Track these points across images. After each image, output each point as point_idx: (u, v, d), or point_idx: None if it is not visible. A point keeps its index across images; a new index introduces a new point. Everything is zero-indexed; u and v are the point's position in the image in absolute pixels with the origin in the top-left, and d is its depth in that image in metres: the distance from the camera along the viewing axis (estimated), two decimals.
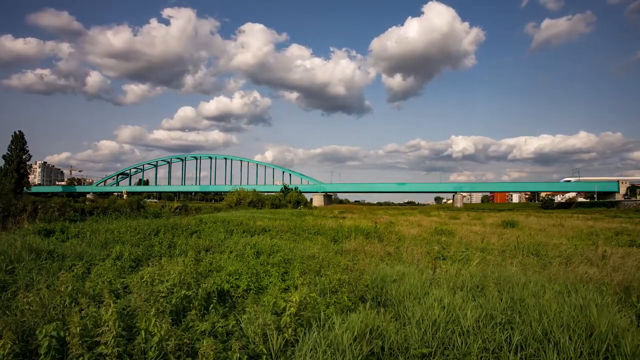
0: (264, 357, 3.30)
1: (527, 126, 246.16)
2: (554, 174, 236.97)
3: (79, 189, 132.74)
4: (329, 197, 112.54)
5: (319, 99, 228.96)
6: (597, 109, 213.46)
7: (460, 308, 4.09)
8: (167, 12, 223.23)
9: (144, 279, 5.28)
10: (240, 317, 3.98)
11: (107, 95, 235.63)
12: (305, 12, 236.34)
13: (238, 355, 3.10)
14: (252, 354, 3.34)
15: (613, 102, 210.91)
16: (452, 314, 3.99)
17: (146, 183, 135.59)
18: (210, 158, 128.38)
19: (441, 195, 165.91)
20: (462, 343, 3.51)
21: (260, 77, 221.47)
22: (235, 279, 5.65)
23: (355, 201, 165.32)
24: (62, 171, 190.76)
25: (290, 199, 67.39)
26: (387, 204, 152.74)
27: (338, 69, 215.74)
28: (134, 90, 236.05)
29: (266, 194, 74.04)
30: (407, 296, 4.76)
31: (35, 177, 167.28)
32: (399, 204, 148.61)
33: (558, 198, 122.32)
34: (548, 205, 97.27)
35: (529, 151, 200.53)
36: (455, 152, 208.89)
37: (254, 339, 3.52)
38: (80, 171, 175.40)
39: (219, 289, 4.86)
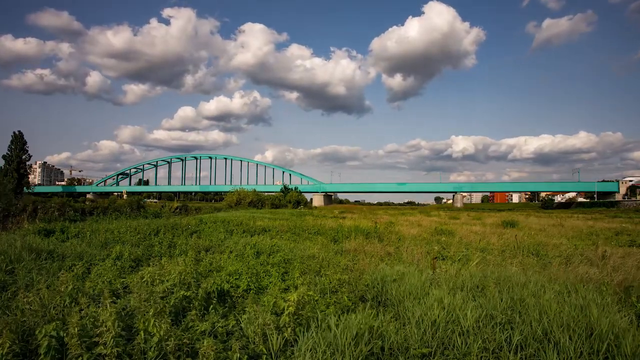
0: (264, 357, 3.30)
1: (527, 126, 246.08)
2: (553, 174, 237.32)
3: (79, 189, 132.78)
4: (329, 197, 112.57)
5: (319, 98, 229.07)
6: (597, 108, 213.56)
7: (460, 308, 4.08)
8: (167, 12, 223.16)
9: (144, 279, 5.28)
10: (240, 317, 3.98)
11: (107, 95, 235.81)
12: (305, 12, 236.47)
13: (238, 355, 3.10)
14: (252, 354, 3.34)
15: (613, 102, 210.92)
16: (452, 314, 3.98)
17: (146, 183, 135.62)
18: (210, 158, 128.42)
19: (441, 195, 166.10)
20: (462, 343, 3.51)
21: (260, 77, 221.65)
22: (235, 279, 5.65)
23: (355, 201, 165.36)
24: (62, 171, 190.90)
25: (290, 199, 67.40)
26: (387, 204, 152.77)
27: (338, 69, 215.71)
28: (134, 90, 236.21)
29: (266, 194, 74.05)
30: (407, 296, 4.75)
31: (35, 177, 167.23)
32: (399, 204, 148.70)
33: (558, 198, 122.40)
34: (548, 205, 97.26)
35: (529, 151, 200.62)
36: (455, 152, 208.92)
37: (254, 338, 3.51)
38: (80, 171, 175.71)
39: (219, 289, 4.86)
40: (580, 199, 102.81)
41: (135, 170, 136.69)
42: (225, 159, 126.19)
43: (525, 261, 8.04)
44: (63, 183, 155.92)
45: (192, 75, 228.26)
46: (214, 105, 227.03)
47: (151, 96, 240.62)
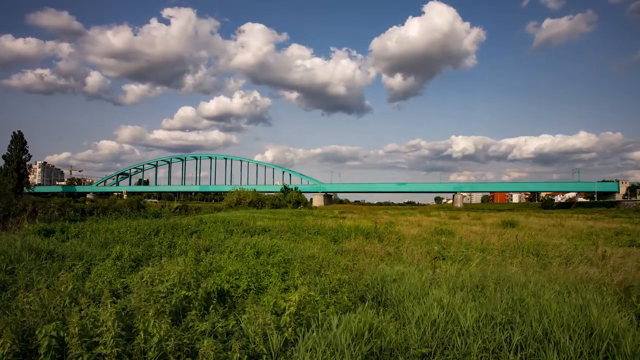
0: (264, 356, 3.30)
1: (527, 126, 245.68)
2: (553, 174, 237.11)
3: (79, 189, 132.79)
4: (329, 197, 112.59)
5: (319, 98, 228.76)
6: (597, 108, 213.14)
7: (460, 308, 4.09)
8: (167, 12, 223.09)
9: (144, 279, 5.27)
10: (240, 317, 3.98)
11: (107, 95, 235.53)
12: (305, 12, 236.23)
13: (238, 355, 3.10)
14: (252, 354, 3.34)
15: (613, 101, 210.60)
16: (452, 314, 3.98)
17: (146, 183, 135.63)
18: (210, 158, 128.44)
19: (441, 195, 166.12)
20: (462, 343, 3.51)
21: (260, 77, 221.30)
22: (235, 279, 5.65)
23: (355, 201, 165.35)
24: (62, 171, 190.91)
25: (290, 199, 67.41)
26: (387, 204, 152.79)
27: (338, 69, 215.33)
28: (134, 90, 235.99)
29: (266, 194, 74.06)
30: (407, 296, 4.75)
31: (35, 177, 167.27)
32: (399, 204, 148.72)
33: (558, 198, 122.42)
34: (548, 205, 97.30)
35: (529, 151, 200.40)
36: (455, 152, 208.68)
37: (254, 338, 3.52)
38: (80, 171, 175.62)
39: (219, 289, 4.86)
40: (580, 199, 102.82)
41: (135, 170, 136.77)
42: (225, 159, 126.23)
43: (525, 261, 8.04)
44: (63, 183, 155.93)
45: (192, 75, 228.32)
46: (214, 105, 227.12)
47: (151, 96, 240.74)
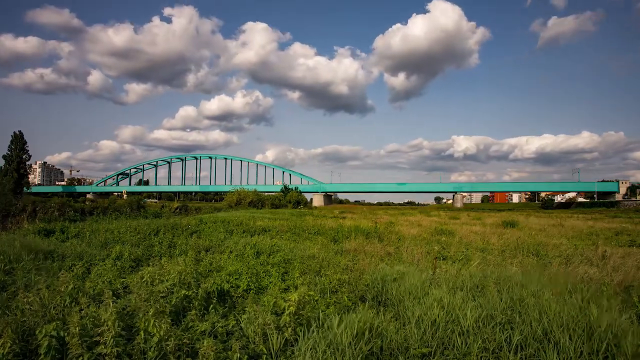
0: (264, 356, 3.30)
1: (529, 126, 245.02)
2: (554, 174, 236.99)
3: (79, 189, 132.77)
4: (329, 197, 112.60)
5: (321, 98, 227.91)
6: (600, 108, 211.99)
7: (460, 308, 4.09)
8: (169, 10, 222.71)
9: (144, 279, 5.28)
10: (240, 317, 3.99)
11: (109, 95, 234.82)
12: (309, 11, 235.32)
13: (238, 355, 3.10)
14: (252, 354, 3.34)
15: (615, 101, 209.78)
16: (452, 314, 3.98)
17: (146, 183, 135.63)
18: (210, 158, 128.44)
19: (441, 195, 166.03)
20: (462, 343, 3.51)
21: (263, 76, 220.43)
22: (235, 279, 5.65)
23: (355, 201, 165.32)
24: (62, 171, 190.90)
25: (291, 199, 67.41)
26: (387, 204, 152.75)
27: (341, 68, 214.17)
28: (136, 89, 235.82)
29: (266, 194, 74.07)
30: (407, 296, 4.75)
31: (35, 177, 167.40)
32: (399, 204, 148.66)
33: (558, 198, 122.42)
34: (548, 205, 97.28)
35: (530, 151, 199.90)
36: (456, 151, 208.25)
37: (254, 338, 3.52)
38: (77, 171, 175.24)
39: (219, 289, 4.86)
40: (580, 199, 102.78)
41: (135, 170, 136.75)
42: (225, 159, 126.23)
43: (525, 261, 8.04)
44: (63, 183, 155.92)
45: (194, 74, 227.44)
46: (215, 104, 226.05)
47: (152, 95, 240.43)
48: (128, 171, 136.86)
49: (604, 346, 3.35)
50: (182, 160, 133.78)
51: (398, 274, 5.72)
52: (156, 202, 71.77)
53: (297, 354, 3.24)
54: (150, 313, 3.50)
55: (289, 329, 3.58)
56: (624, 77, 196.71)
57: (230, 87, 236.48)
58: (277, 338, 3.45)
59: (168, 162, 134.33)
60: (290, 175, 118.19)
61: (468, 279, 5.60)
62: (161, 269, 5.86)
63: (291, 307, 3.81)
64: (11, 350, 3.09)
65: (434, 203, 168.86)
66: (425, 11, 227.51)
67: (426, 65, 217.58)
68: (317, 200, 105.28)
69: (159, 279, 5.25)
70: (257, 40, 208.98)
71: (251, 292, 5.17)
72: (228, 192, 73.30)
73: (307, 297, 4.12)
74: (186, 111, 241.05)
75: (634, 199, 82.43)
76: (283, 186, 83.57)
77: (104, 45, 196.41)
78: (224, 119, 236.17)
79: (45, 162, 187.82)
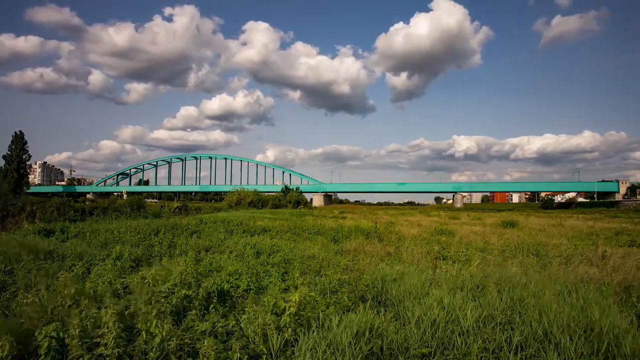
0: (264, 356, 3.30)
1: (531, 126, 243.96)
2: (555, 174, 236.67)
3: (79, 189, 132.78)
4: (329, 197, 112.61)
5: (322, 98, 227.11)
6: (602, 107, 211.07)
7: (460, 308, 4.09)
8: (169, 9, 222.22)
9: (146, 280, 5.27)
10: (240, 317, 3.98)
11: (110, 95, 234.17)
12: (311, 9, 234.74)
13: (238, 355, 3.10)
14: (252, 354, 3.34)
15: (617, 101, 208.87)
16: (452, 314, 3.98)
17: (146, 183, 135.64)
18: (211, 158, 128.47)
19: (441, 195, 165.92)
20: (462, 343, 3.51)
21: (264, 75, 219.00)
22: (235, 279, 5.65)
23: (355, 201, 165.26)
24: (62, 171, 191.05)
25: (291, 199, 67.42)
26: (387, 204, 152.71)
27: (343, 67, 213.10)
28: (137, 89, 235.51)
29: (266, 194, 74.12)
30: (407, 296, 4.75)
31: (35, 177, 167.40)
32: (399, 204, 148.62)
33: (558, 198, 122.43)
34: (548, 205, 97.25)
35: (531, 151, 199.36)
36: (457, 151, 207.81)
37: (254, 338, 3.52)
38: (74, 171, 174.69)
39: (219, 289, 4.86)
40: (580, 199, 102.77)
41: (135, 170, 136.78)
42: (225, 159, 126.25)
43: (526, 261, 8.04)
44: (63, 183, 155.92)
45: (195, 73, 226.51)
46: (216, 104, 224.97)
47: (153, 95, 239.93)
48: (128, 171, 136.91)
49: (604, 347, 3.35)
50: (182, 160, 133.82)
51: (398, 274, 5.72)
52: (156, 202, 71.77)
53: (297, 354, 3.24)
54: (153, 314, 3.50)
55: (289, 329, 3.58)
56: (627, 77, 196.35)
57: (231, 86, 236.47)
58: (277, 338, 3.45)
59: (168, 162, 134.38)
60: (290, 175, 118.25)
61: (468, 279, 5.60)
62: (163, 269, 5.86)
63: (291, 308, 3.81)
64: (10, 352, 3.09)
65: (434, 203, 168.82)
66: (428, 9, 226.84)
67: (428, 65, 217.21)
68: (317, 200, 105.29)
69: (159, 279, 5.24)
70: (258, 39, 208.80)
71: (251, 292, 5.17)
72: (228, 192, 73.33)
73: (307, 298, 4.12)
74: (187, 111, 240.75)
75: (634, 199, 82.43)
76: (283, 186, 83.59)
77: (104, 45, 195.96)
78: (224, 118, 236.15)
79: (45, 162, 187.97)
